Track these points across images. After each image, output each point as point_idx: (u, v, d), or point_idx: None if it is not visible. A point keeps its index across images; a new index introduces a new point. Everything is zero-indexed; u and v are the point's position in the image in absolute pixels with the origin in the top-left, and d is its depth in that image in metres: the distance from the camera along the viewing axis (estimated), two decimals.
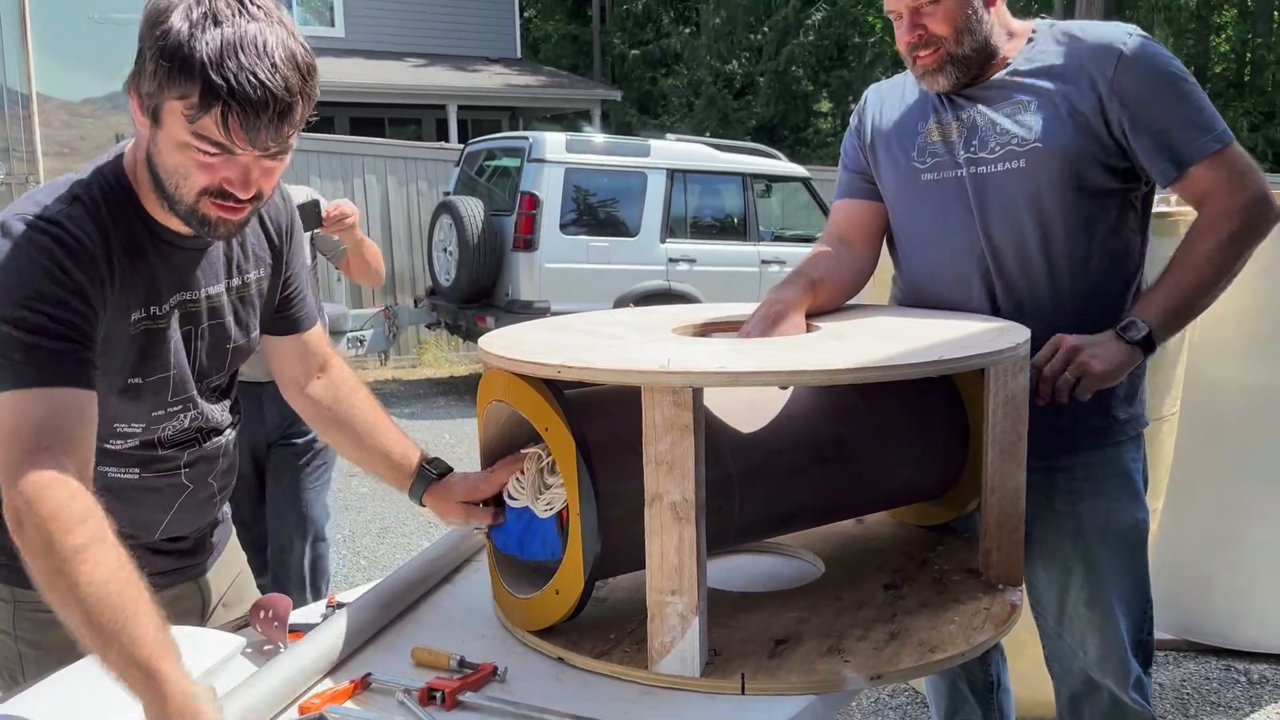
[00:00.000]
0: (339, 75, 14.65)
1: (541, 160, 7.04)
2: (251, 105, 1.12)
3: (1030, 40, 1.73)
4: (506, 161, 7.54)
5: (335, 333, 6.88)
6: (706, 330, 1.59)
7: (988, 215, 1.68)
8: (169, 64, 1.11)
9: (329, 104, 14.93)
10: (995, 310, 1.69)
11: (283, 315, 1.53)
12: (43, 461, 1.10)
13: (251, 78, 1.11)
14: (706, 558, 1.21)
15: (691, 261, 7.49)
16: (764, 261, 7.85)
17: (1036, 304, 1.67)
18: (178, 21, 1.11)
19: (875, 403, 1.50)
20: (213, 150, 1.16)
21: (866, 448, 1.48)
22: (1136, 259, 1.71)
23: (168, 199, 1.22)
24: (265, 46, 1.13)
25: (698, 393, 1.16)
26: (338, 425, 1.54)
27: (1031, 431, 1.46)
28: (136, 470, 1.37)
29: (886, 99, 1.89)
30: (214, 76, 1.10)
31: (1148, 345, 1.57)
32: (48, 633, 1.37)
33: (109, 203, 1.25)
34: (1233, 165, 1.62)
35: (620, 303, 7.04)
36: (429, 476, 1.47)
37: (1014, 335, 1.37)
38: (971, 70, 1.70)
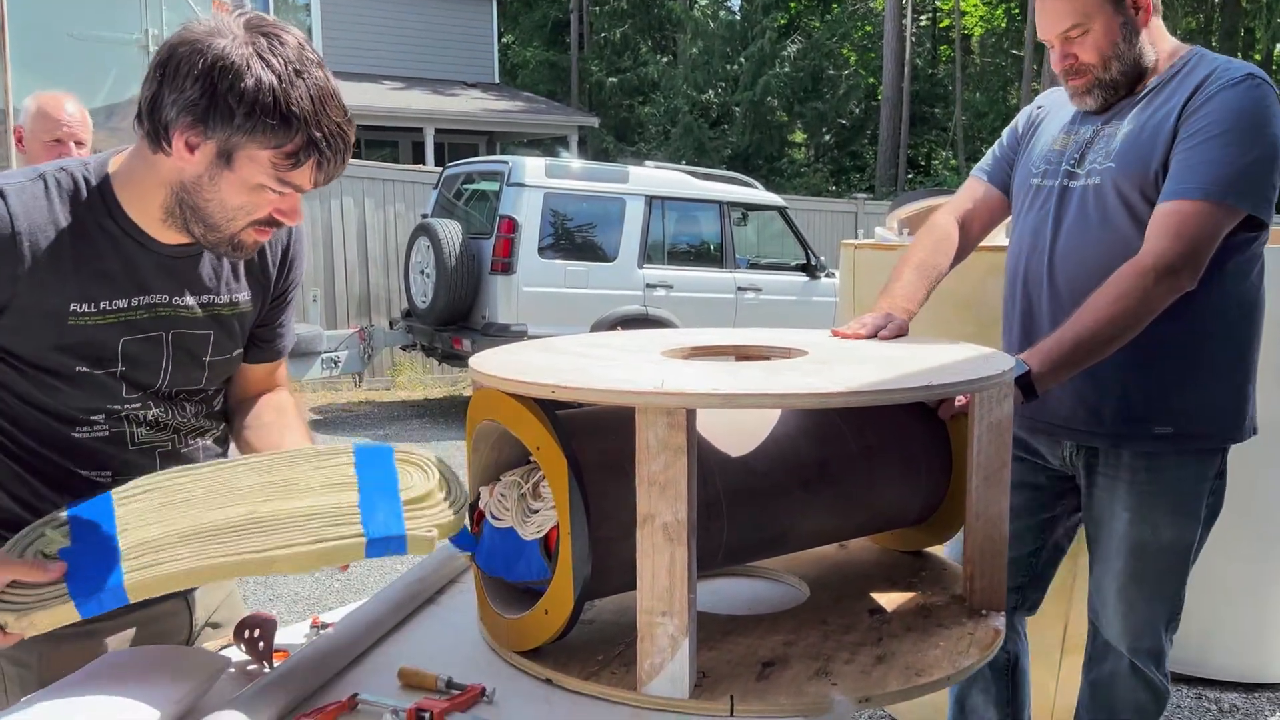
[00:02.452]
0: None
1: (521, 184, 7.07)
2: (339, 153, 1.21)
3: (1172, 64, 1.77)
4: (485, 185, 7.56)
5: (310, 353, 6.83)
6: (695, 354, 1.60)
7: (1059, 229, 1.76)
8: (268, 118, 1.15)
9: None
10: (1025, 329, 1.76)
11: (265, 343, 1.51)
12: None
13: (337, 129, 1.20)
14: (697, 580, 1.21)
15: (668, 287, 7.53)
16: (740, 289, 7.90)
17: (1055, 326, 1.72)
18: (261, 72, 1.15)
19: (858, 428, 1.52)
20: (287, 191, 1.23)
21: (850, 472, 1.49)
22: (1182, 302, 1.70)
23: (207, 227, 1.25)
24: (336, 95, 1.21)
25: (691, 414, 1.17)
26: (242, 440, 1.50)
27: (1097, 440, 1.64)
28: (110, 474, 1.36)
29: (1055, 100, 1.97)
30: (315, 131, 1.17)
31: (1025, 386, 1.61)
32: (30, 651, 1.36)
33: (75, 191, 1.26)
34: (1183, 219, 1.63)
35: (597, 327, 7.06)
36: None
37: (999, 362, 1.39)
38: (1121, 91, 1.77)
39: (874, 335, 1.64)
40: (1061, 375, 1.66)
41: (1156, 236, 1.66)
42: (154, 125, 1.20)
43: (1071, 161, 1.80)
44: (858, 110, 23.85)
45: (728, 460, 1.40)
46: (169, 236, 1.30)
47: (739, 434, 1.45)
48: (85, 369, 1.29)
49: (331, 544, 1.12)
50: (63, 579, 1.08)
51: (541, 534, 1.31)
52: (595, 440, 1.31)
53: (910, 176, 22.43)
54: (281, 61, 1.17)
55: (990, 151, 2.04)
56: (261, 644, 1.31)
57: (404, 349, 8.17)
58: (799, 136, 24.00)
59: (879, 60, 22.65)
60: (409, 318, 7.71)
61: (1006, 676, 2.09)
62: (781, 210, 8.40)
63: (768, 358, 1.57)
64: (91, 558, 1.10)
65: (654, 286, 7.47)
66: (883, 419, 1.55)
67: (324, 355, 6.97)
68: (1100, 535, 1.88)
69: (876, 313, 1.71)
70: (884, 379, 1.25)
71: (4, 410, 1.30)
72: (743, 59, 21.74)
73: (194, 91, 1.15)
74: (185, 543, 1.11)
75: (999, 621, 1.44)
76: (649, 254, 7.54)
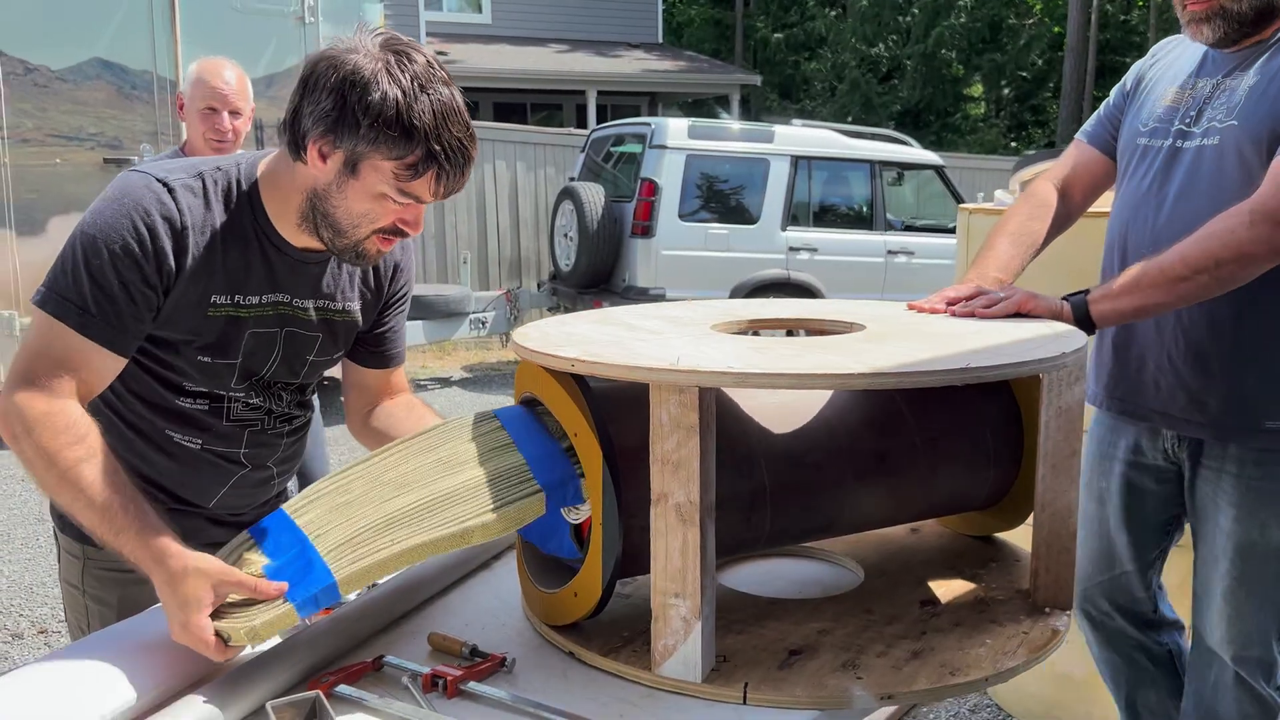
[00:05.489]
0: (484, 62, 15.00)
1: (663, 146, 7.02)
2: (458, 167, 1.26)
3: None
4: (631, 147, 7.56)
5: (458, 314, 7.06)
6: (751, 327, 1.55)
7: (1166, 194, 1.62)
8: (390, 130, 1.21)
9: (474, 89, 15.34)
10: None
11: (376, 350, 1.58)
12: (52, 389, 1.25)
13: (458, 144, 1.24)
14: (715, 562, 1.18)
15: (813, 251, 7.34)
16: (890, 252, 7.62)
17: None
18: (388, 87, 1.21)
19: (922, 412, 1.43)
20: (408, 201, 1.28)
21: (910, 462, 1.41)
22: None
23: (335, 232, 1.32)
24: (460, 111, 1.25)
25: (706, 393, 1.13)
26: (374, 433, 1.58)
27: (1200, 431, 1.54)
28: (199, 440, 1.44)
29: (1171, 53, 1.81)
30: (434, 145, 1.23)
31: (1081, 312, 1.49)
32: (111, 590, 1.47)
33: (228, 191, 1.35)
34: None
35: (737, 291, 6.97)
36: None
37: (1063, 344, 1.28)
38: (1246, 29, 1.59)
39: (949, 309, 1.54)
40: (1122, 304, 1.51)
41: (1264, 184, 1.48)
42: (294, 135, 1.28)
43: (1187, 120, 1.63)
44: (1040, 61, 22.42)
45: (775, 448, 1.34)
46: (301, 241, 1.38)
47: (792, 419, 1.39)
48: (208, 359, 1.38)
49: (516, 505, 1.21)
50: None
51: (579, 520, 1.29)
52: (636, 421, 1.28)
53: None
54: (409, 78, 1.22)
55: (1095, 112, 1.87)
56: None
57: (549, 311, 8.33)
58: (976, 90, 22.82)
59: (1065, 8, 21.19)
60: (554, 280, 7.84)
61: (1172, 665, 1.93)
62: (938, 169, 8.03)
63: (828, 332, 1.50)
64: (297, 567, 1.18)
65: (797, 250, 7.30)
66: (951, 401, 1.45)
67: (472, 316, 7.19)
68: (1203, 531, 1.71)
69: (964, 285, 1.61)
70: (918, 360, 1.17)
71: (124, 374, 1.38)
72: (915, 9, 20.81)
73: (327, 103, 1.23)
74: (380, 534, 1.19)
75: (1061, 621, 1.34)
76: (794, 216, 7.36)
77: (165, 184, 1.31)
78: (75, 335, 1.27)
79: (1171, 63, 1.76)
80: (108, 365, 1.31)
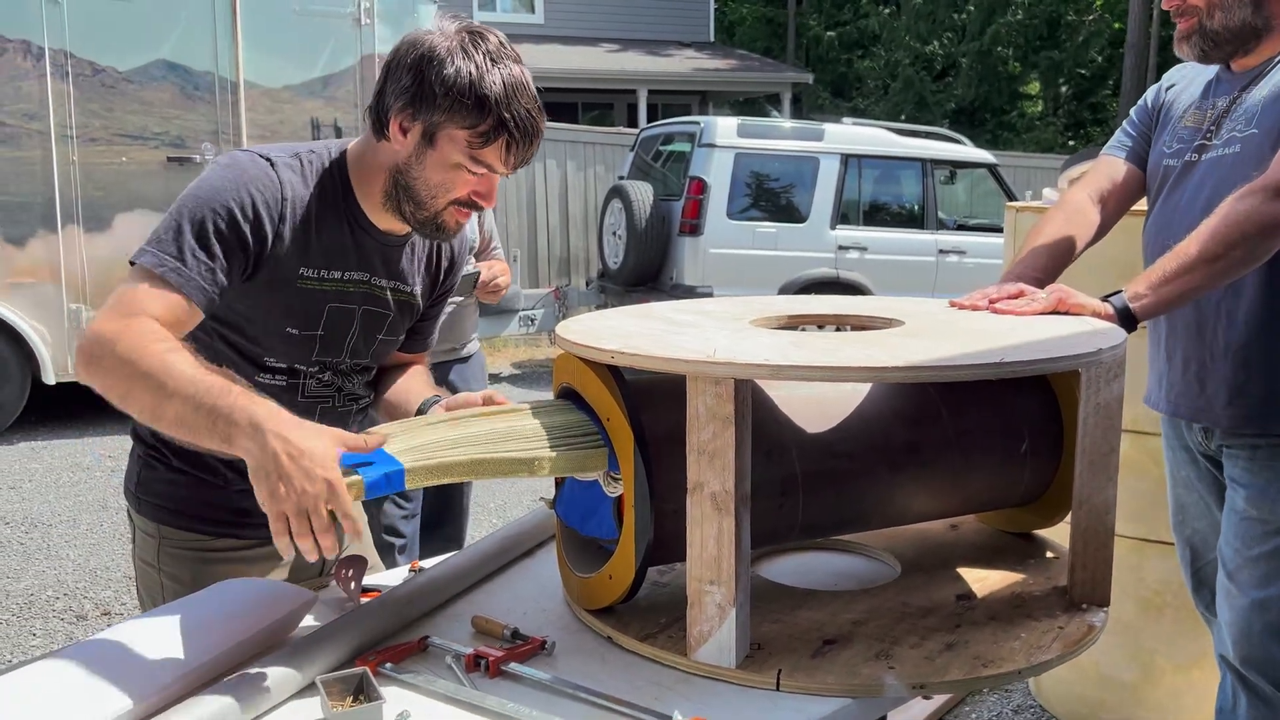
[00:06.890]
0: (536, 61, 15.07)
1: (712, 145, 7.03)
2: (527, 137, 1.35)
3: None
4: (680, 146, 7.58)
5: (508, 311, 7.14)
6: (790, 323, 1.57)
7: (1195, 201, 1.68)
8: (464, 99, 1.30)
9: None
10: (1170, 320, 1.68)
11: (417, 335, 1.66)
12: (131, 314, 1.27)
13: (527, 115, 1.33)
14: (749, 550, 1.20)
15: (863, 249, 7.30)
16: (941, 251, 7.55)
17: (1200, 312, 1.60)
18: (462, 62, 1.31)
19: (957, 407, 1.44)
20: (482, 171, 1.37)
21: (943, 455, 1.42)
22: None
23: (415, 204, 1.40)
24: (528, 86, 1.35)
25: (742, 384, 1.15)
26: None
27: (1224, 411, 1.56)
28: None
29: (1187, 77, 1.89)
30: (505, 114, 1.32)
31: (1123, 309, 1.51)
32: (185, 568, 1.54)
33: (323, 173, 1.44)
34: None
35: (785, 289, 6.96)
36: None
37: (1100, 339, 1.28)
38: (1223, 48, 1.69)
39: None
40: (1163, 293, 1.53)
41: (1275, 162, 1.54)
42: (378, 114, 1.38)
43: (1208, 134, 1.70)
44: (1100, 58, 21.99)
45: (809, 439, 1.37)
46: (384, 222, 1.47)
47: (826, 412, 1.41)
48: (294, 330, 1.45)
49: (582, 451, 1.27)
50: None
51: (618, 492, 1.33)
52: (671, 410, 1.31)
53: None
54: (482, 54, 1.32)
55: (1121, 129, 1.93)
56: (353, 583, 1.41)
57: (598, 308, 8.38)
58: (1034, 88, 22.44)
59: (1126, 3, 20.77)
60: (603, 278, 7.89)
61: None
62: (991, 168, 7.94)
63: (866, 328, 1.51)
64: (364, 459, 1.19)
65: (847, 249, 7.27)
66: (988, 397, 1.46)
67: (521, 313, 7.27)
68: (1221, 518, 1.71)
69: (1004, 283, 1.62)
70: (954, 355, 1.18)
71: (204, 349, 1.42)
72: (971, 6, 20.53)
73: (407, 79, 1.33)
74: (455, 445, 1.23)
75: (1097, 618, 1.34)
76: (844, 215, 7.32)
77: (268, 159, 1.40)
78: (165, 286, 1.30)
79: (1186, 87, 1.83)
80: (187, 318, 1.34)
